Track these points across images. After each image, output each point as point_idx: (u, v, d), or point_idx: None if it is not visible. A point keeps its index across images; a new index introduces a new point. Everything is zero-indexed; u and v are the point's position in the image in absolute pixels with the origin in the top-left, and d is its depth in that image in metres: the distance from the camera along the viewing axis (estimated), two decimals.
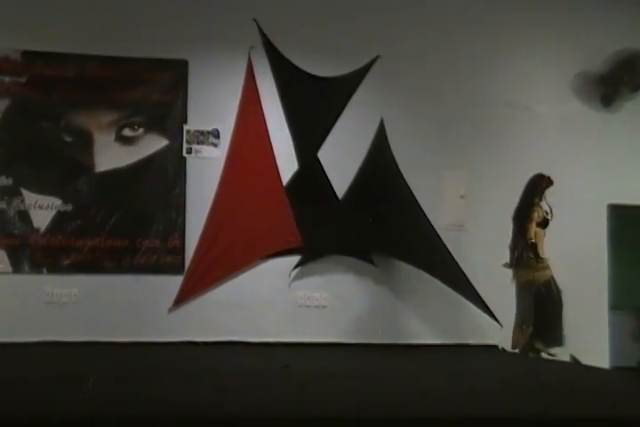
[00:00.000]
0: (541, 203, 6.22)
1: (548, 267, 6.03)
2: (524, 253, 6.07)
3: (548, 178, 6.32)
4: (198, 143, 6.49)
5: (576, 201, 6.81)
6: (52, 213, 6.20)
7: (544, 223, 6.23)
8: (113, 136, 6.39)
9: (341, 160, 6.57)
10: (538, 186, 6.25)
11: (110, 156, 6.35)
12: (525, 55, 7.00)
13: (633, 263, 9.40)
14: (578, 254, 6.74)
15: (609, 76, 6.96)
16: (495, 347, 6.42)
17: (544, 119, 6.95)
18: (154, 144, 6.44)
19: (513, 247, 6.13)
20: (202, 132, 6.49)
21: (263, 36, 6.57)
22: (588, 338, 6.63)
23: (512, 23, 6.99)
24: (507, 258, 6.55)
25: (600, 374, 5.61)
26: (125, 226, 6.24)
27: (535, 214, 6.13)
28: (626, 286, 7.34)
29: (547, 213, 6.21)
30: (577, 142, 6.98)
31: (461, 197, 6.75)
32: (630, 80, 6.90)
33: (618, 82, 6.94)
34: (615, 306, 7.23)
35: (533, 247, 6.05)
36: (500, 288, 6.42)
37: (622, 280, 7.22)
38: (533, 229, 6.11)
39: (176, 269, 6.25)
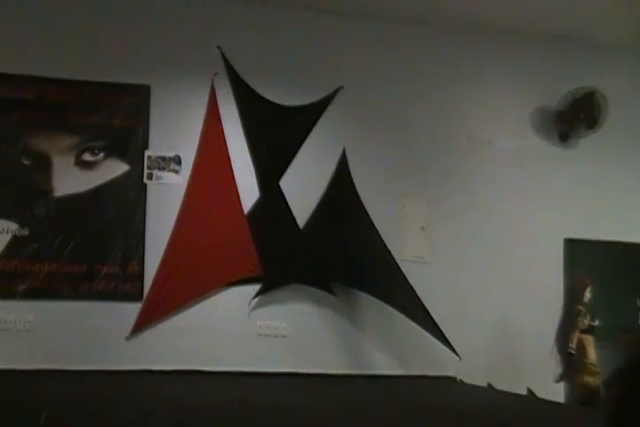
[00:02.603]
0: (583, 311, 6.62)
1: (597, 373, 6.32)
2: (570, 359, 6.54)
3: (584, 281, 6.62)
4: (159, 169, 6.44)
5: (533, 235, 6.95)
6: (8, 238, 6.06)
7: (590, 330, 6.51)
8: (72, 160, 6.29)
9: (303, 189, 6.57)
10: (577, 291, 6.59)
11: (69, 180, 6.25)
12: (486, 91, 7.13)
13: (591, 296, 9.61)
14: (535, 288, 6.86)
15: (566, 113, 7.10)
16: (453, 378, 6.43)
17: (503, 153, 7.06)
18: (114, 169, 6.36)
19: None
20: (163, 158, 6.44)
21: (227, 63, 6.58)
22: (544, 371, 6.74)
23: (474, 60, 7.12)
24: (467, 289, 6.69)
25: (555, 409, 5.65)
26: (83, 252, 6.12)
27: (579, 323, 6.48)
28: None
29: (592, 319, 6.46)
30: (535, 177, 7.10)
31: (422, 228, 6.79)
32: (586, 118, 7.04)
33: (574, 119, 7.08)
34: None
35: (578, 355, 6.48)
36: (458, 320, 6.51)
37: None
38: (576, 338, 6.45)
39: (135, 296, 6.15)
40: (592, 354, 6.63)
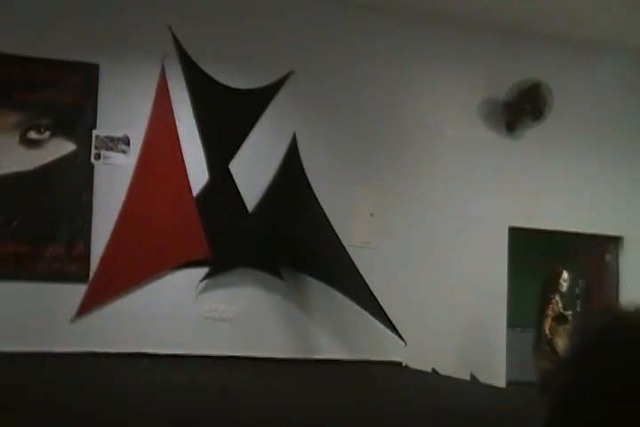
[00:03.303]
0: (556, 298, 6.67)
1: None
2: (540, 346, 6.56)
3: (560, 271, 6.72)
4: (107, 149, 6.33)
5: (479, 223, 7.06)
6: None
7: (562, 318, 6.61)
8: (17, 138, 6.14)
9: (253, 173, 6.54)
10: (550, 281, 6.69)
11: (14, 158, 6.09)
12: (437, 79, 7.20)
13: (530, 283, 9.82)
14: (480, 275, 6.99)
15: (512, 104, 7.20)
16: (399, 364, 6.50)
17: (452, 141, 7.14)
18: (60, 148, 6.22)
19: (534, 339, 6.73)
20: (111, 139, 6.33)
21: (177, 44, 6.48)
22: (488, 355, 6.87)
23: (425, 47, 7.17)
24: (414, 275, 6.76)
25: (496, 393, 5.76)
26: (28, 231, 5.98)
27: (549, 311, 6.54)
28: (523, 305, 7.63)
29: (563, 309, 6.55)
30: (482, 165, 7.20)
31: (371, 215, 6.83)
32: (532, 109, 7.15)
33: (520, 110, 7.18)
34: (513, 324, 7.46)
35: (549, 342, 6.52)
36: (405, 306, 6.59)
37: (520, 299, 7.50)
38: (548, 324, 6.55)
39: (80, 277, 6.04)
40: (558, 342, 6.72)
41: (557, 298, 6.87)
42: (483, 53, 7.29)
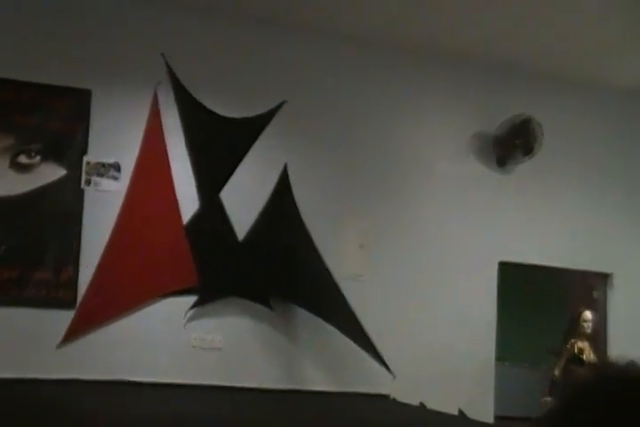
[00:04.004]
0: (577, 341, 6.77)
1: None
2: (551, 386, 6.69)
3: (581, 311, 6.71)
4: (98, 175, 6.30)
5: (469, 257, 7.07)
6: None
7: (579, 361, 6.59)
8: (7, 162, 6.09)
9: (244, 202, 6.52)
10: (572, 322, 6.80)
11: (3, 182, 6.03)
12: (428, 113, 7.24)
13: (519, 318, 9.86)
14: (469, 309, 6.98)
15: (503, 139, 7.25)
16: (387, 396, 6.44)
17: (443, 175, 7.17)
18: (51, 173, 6.18)
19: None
20: (102, 165, 6.31)
21: (170, 71, 6.50)
22: (476, 389, 6.83)
23: (417, 82, 7.22)
24: (403, 307, 6.74)
25: None
26: (16, 256, 5.91)
27: (565, 352, 6.55)
28: (512, 340, 7.64)
29: (581, 352, 6.52)
30: (473, 200, 7.22)
31: (361, 246, 6.82)
32: (522, 144, 7.19)
33: (511, 145, 7.23)
34: (502, 358, 7.44)
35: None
36: (394, 338, 6.55)
37: (509, 334, 7.49)
38: (560, 366, 6.51)
39: (68, 303, 5.96)
40: None
41: (578, 340, 6.81)
42: (474, 89, 7.36)
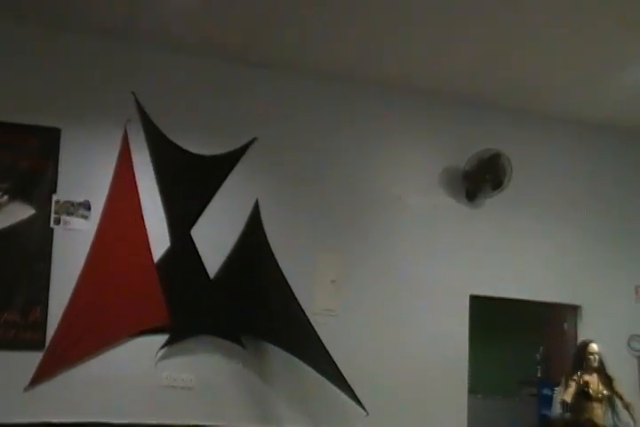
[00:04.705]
0: (584, 374, 6.66)
1: None
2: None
3: (586, 344, 6.75)
4: (68, 214, 6.26)
5: (441, 291, 7.12)
6: None
7: (585, 395, 6.56)
8: None
9: (215, 239, 6.51)
10: (577, 354, 6.78)
11: None
12: (398, 148, 7.32)
13: (491, 350, 9.91)
14: (441, 343, 7.02)
15: (472, 173, 7.33)
16: None
17: (414, 210, 7.22)
18: (20, 212, 6.11)
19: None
20: (72, 203, 6.27)
21: (141, 109, 6.51)
22: (449, 422, 6.83)
23: (387, 118, 7.29)
24: (375, 342, 6.73)
25: None
26: None
27: (570, 388, 6.60)
28: (484, 372, 7.66)
29: (587, 385, 6.57)
30: (443, 234, 7.28)
31: (332, 281, 6.82)
32: (492, 178, 7.27)
33: (480, 179, 7.31)
34: (473, 390, 7.49)
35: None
36: (366, 374, 6.54)
37: (481, 366, 7.51)
38: (569, 394, 6.61)
39: (36, 345, 5.87)
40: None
41: (585, 373, 6.73)
42: (444, 124, 7.45)
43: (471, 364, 7.27)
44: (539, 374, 11.81)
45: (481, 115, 7.56)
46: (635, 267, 7.91)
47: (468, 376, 7.22)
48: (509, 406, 11.58)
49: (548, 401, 10.69)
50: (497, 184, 7.27)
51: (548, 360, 11.44)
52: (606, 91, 7.07)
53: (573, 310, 7.74)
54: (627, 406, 6.74)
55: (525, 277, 7.47)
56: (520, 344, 11.75)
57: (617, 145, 8.10)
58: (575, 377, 6.68)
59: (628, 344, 7.67)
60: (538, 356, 11.74)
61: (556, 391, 10.04)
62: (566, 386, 6.68)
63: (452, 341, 7.09)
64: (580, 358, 6.82)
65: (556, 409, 6.87)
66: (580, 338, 7.64)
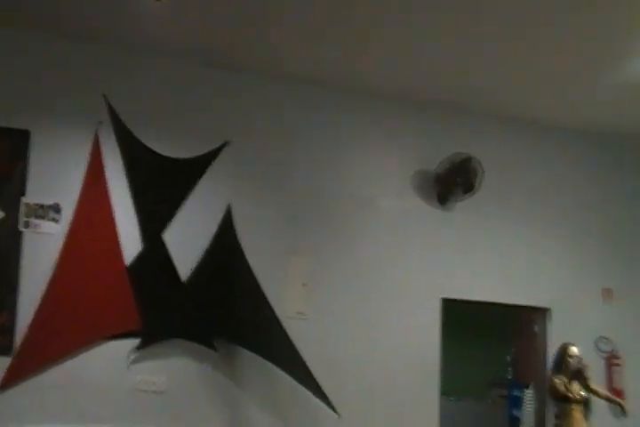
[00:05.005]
0: (564, 377, 6.81)
1: None
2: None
3: (566, 346, 6.91)
4: (37, 217, 6.20)
5: (413, 294, 7.16)
6: None
7: (565, 399, 6.73)
8: None
9: (187, 243, 6.49)
10: (557, 357, 6.95)
11: None
12: (370, 151, 7.34)
13: (463, 353, 9.96)
14: (412, 345, 7.05)
15: (444, 176, 7.37)
16: None
17: (385, 213, 7.25)
18: None
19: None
20: (41, 206, 6.22)
21: (112, 112, 6.47)
22: (420, 424, 6.86)
23: (358, 120, 7.33)
24: (346, 345, 6.75)
25: None
26: None
27: (556, 387, 6.75)
28: (456, 374, 7.71)
29: (567, 389, 6.71)
30: (415, 237, 7.32)
31: (304, 285, 6.83)
32: (463, 182, 7.32)
33: (452, 183, 7.35)
34: (445, 392, 7.53)
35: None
36: (338, 377, 6.56)
37: (453, 368, 7.55)
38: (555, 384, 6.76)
39: (4, 349, 5.81)
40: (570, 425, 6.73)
41: (564, 376, 6.85)
42: (415, 127, 7.50)
43: (443, 366, 7.31)
44: (509, 376, 11.94)
45: (453, 118, 7.61)
46: (602, 270, 8.01)
47: (440, 379, 7.25)
48: (480, 408, 11.71)
49: (518, 402, 10.82)
50: (468, 187, 7.31)
51: (518, 362, 11.55)
52: (577, 94, 7.15)
53: (543, 312, 7.81)
54: (610, 400, 6.91)
55: (496, 281, 7.53)
56: (491, 346, 11.87)
57: (588, 147, 8.18)
58: (556, 380, 6.81)
59: (596, 346, 7.76)
60: (508, 358, 11.86)
61: (525, 393, 10.19)
62: (556, 385, 6.78)
63: (423, 343, 7.13)
64: (560, 361, 6.92)
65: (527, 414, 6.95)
66: (550, 340, 7.74)
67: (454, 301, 7.34)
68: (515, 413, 11.03)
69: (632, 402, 7.46)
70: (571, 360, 6.90)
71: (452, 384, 8.04)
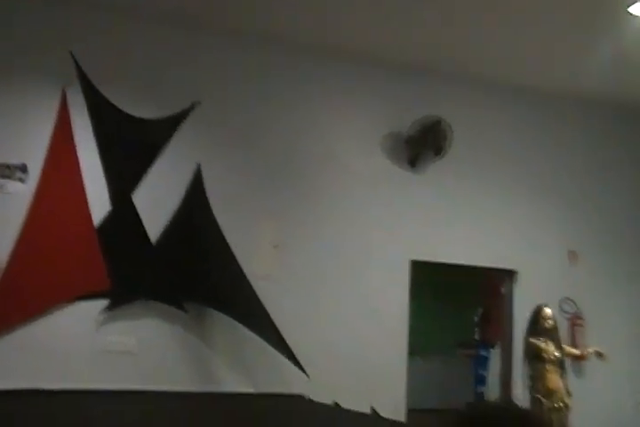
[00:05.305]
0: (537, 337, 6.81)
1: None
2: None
3: (540, 307, 6.92)
4: (3, 177, 6.11)
5: (382, 255, 7.20)
6: None
7: (538, 358, 6.73)
8: None
9: (156, 203, 6.45)
10: (532, 319, 6.95)
11: None
12: (341, 113, 7.31)
13: (431, 314, 10.07)
14: (382, 307, 7.12)
15: (414, 139, 7.37)
16: (302, 396, 6.48)
17: (356, 175, 7.25)
18: None
19: None
20: (7, 166, 6.13)
21: (80, 70, 6.36)
22: (389, 383, 6.95)
23: (329, 81, 7.27)
24: (316, 306, 6.80)
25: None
26: None
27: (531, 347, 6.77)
28: (424, 334, 7.84)
29: (540, 348, 6.77)
30: (385, 199, 7.34)
31: (275, 246, 6.83)
32: (433, 144, 7.33)
33: (422, 145, 7.35)
34: (413, 352, 7.67)
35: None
36: (308, 338, 6.60)
37: (421, 329, 7.67)
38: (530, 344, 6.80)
39: None
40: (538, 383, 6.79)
41: (539, 337, 6.90)
42: (386, 89, 7.46)
43: (412, 327, 7.40)
44: (476, 336, 12.18)
45: (424, 81, 7.59)
46: (568, 232, 8.12)
47: (409, 339, 7.34)
48: (448, 367, 11.94)
49: (484, 362, 11.07)
50: (438, 150, 7.34)
51: (485, 323, 11.78)
52: (547, 58, 7.16)
53: (510, 274, 7.90)
54: (584, 356, 7.03)
55: (464, 243, 7.59)
56: (459, 307, 12.07)
57: (556, 112, 8.23)
58: (530, 341, 6.90)
59: (560, 307, 7.87)
60: (476, 318, 12.07)
61: (492, 352, 10.37)
62: (531, 345, 6.86)
63: (392, 304, 7.20)
64: (534, 322, 7.01)
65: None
66: (516, 302, 7.85)
67: (423, 263, 7.40)
68: (481, 372, 11.29)
69: (593, 362, 7.62)
70: (544, 322, 6.97)
71: (421, 344, 8.19)
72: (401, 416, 6.87)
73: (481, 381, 11.24)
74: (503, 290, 8.05)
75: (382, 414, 6.02)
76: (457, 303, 12.00)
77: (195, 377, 6.39)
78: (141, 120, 6.53)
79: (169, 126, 6.66)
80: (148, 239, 6.41)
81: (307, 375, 6.41)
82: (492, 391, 9.52)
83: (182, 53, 6.74)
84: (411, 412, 7.25)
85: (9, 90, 6.16)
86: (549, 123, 8.19)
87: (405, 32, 6.75)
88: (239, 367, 6.52)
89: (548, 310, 7.09)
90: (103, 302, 6.18)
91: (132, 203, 6.42)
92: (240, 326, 6.41)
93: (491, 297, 9.25)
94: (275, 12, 6.47)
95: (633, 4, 5.89)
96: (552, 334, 7.02)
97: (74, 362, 5.99)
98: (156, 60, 6.64)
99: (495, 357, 9.64)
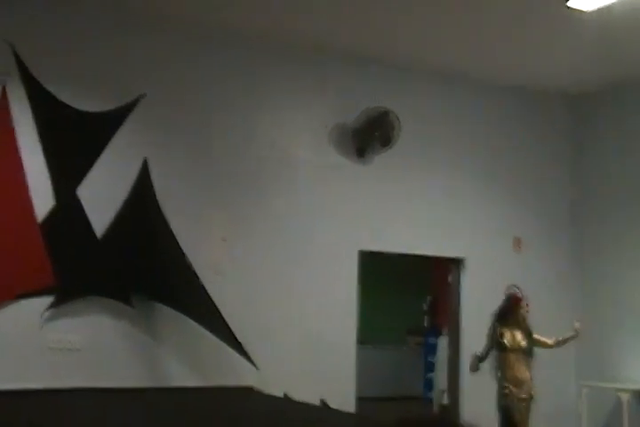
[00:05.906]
0: (503, 326, 6.60)
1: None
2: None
3: (518, 300, 6.67)
4: None
5: (330, 246, 7.25)
6: None
7: (500, 346, 6.53)
8: None
9: (102, 198, 6.38)
10: (505, 308, 6.67)
11: None
12: (286, 104, 7.31)
13: (380, 303, 10.16)
14: (330, 297, 7.19)
15: (361, 130, 7.39)
16: (251, 389, 6.51)
17: (303, 166, 7.26)
18: None
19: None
20: None
21: (20, 62, 6.23)
22: (339, 372, 7.04)
23: (273, 72, 7.25)
24: (265, 299, 6.78)
25: (343, 419, 5.78)
26: None
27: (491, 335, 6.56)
28: (373, 324, 7.91)
29: (502, 336, 6.55)
30: (333, 190, 7.37)
31: (223, 239, 6.81)
32: (380, 135, 7.35)
33: (369, 136, 7.38)
34: (363, 341, 7.76)
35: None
36: (256, 330, 6.62)
37: (370, 318, 7.74)
38: (487, 347, 6.59)
39: None
40: (510, 373, 6.57)
41: (504, 325, 6.63)
42: (332, 81, 7.48)
43: (362, 316, 7.47)
44: (425, 324, 12.33)
45: (368, 72, 7.61)
46: (514, 219, 8.25)
47: (358, 328, 7.40)
48: (398, 355, 12.09)
49: (433, 349, 11.23)
50: (385, 141, 7.37)
51: (434, 310, 11.95)
52: (489, 48, 7.24)
53: (457, 262, 8.01)
54: (561, 342, 6.86)
55: (412, 233, 7.67)
56: (408, 296, 12.22)
57: (502, 101, 8.33)
58: (493, 328, 6.64)
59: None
60: (425, 306, 12.22)
61: (440, 340, 10.48)
62: (494, 334, 6.70)
63: (341, 294, 7.27)
64: (506, 310, 6.71)
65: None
66: (464, 289, 7.96)
67: (372, 253, 7.46)
68: (430, 359, 11.46)
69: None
70: (522, 311, 6.71)
71: (372, 333, 8.27)
72: (351, 406, 6.94)
73: (430, 367, 11.41)
74: (450, 278, 8.15)
75: (332, 403, 6.06)
76: (406, 292, 12.13)
77: (144, 372, 6.37)
78: (86, 114, 6.43)
79: (114, 120, 6.57)
80: (94, 234, 6.33)
81: (256, 367, 6.44)
82: (441, 378, 9.68)
83: (128, 44, 6.64)
84: (362, 400, 7.34)
85: None
86: (491, 112, 8.28)
87: (350, 23, 6.75)
88: (187, 361, 6.51)
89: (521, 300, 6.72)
90: (48, 299, 6.09)
91: (77, 197, 6.33)
92: (188, 319, 6.40)
93: (439, 285, 9.36)
94: (223, 5, 6.43)
95: None
96: (523, 323, 6.71)
97: (17, 361, 5.91)
98: (101, 52, 6.53)
99: (443, 344, 9.78)
